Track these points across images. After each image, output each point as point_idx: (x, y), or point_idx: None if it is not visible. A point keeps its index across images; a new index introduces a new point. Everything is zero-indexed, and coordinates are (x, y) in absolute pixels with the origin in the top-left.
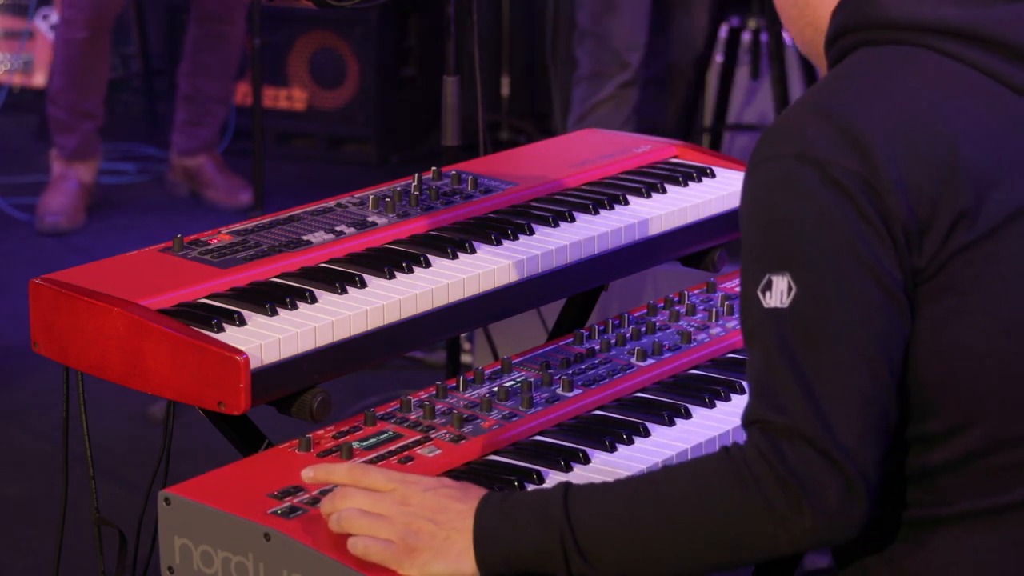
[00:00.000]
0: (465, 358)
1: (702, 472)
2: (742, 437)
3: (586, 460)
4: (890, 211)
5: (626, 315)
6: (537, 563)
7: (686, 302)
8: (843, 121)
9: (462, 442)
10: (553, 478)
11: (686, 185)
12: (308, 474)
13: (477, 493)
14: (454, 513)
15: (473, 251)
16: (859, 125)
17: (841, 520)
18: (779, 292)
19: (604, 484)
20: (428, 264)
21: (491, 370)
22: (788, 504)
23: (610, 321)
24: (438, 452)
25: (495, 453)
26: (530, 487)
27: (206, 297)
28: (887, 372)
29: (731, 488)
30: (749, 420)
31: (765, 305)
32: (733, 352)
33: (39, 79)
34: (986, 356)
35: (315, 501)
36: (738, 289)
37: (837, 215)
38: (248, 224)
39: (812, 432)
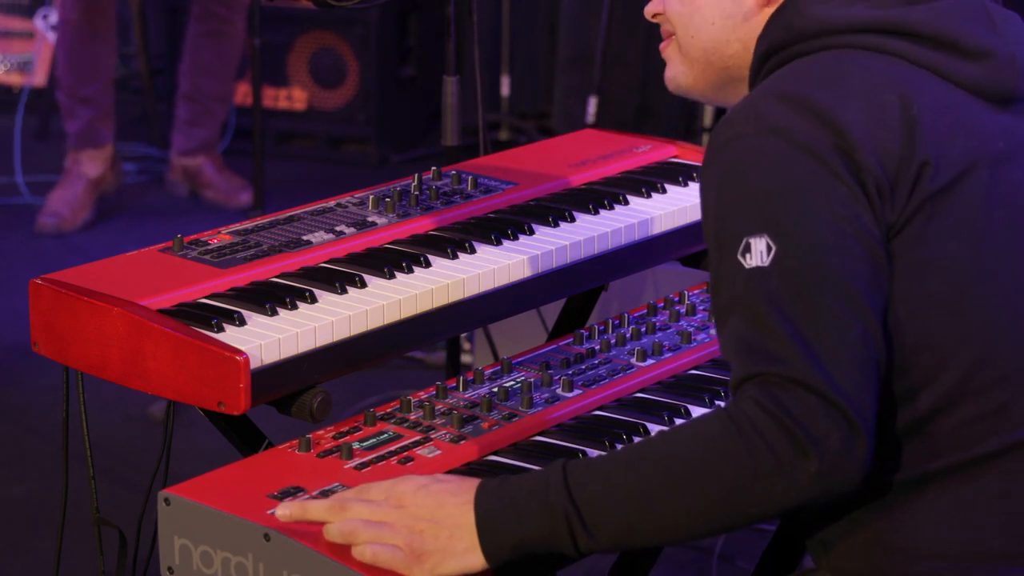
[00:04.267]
0: (465, 358)
1: (702, 432)
2: None
3: None
4: (860, 167)
5: (626, 315)
6: (544, 545)
7: (686, 302)
8: (799, 97)
9: (462, 442)
10: None
11: (686, 185)
12: (284, 512)
13: (471, 484)
14: (452, 508)
15: (473, 251)
16: (815, 98)
17: (846, 463)
18: (758, 252)
19: (601, 458)
20: (428, 264)
21: (491, 370)
22: (794, 450)
23: (610, 321)
24: (438, 452)
25: (495, 453)
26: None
27: (206, 297)
28: (875, 321)
29: (734, 442)
30: (739, 380)
31: (747, 266)
32: None
33: (39, 79)
34: (949, 305)
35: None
36: None
37: (809, 176)
38: (248, 224)
39: (810, 378)
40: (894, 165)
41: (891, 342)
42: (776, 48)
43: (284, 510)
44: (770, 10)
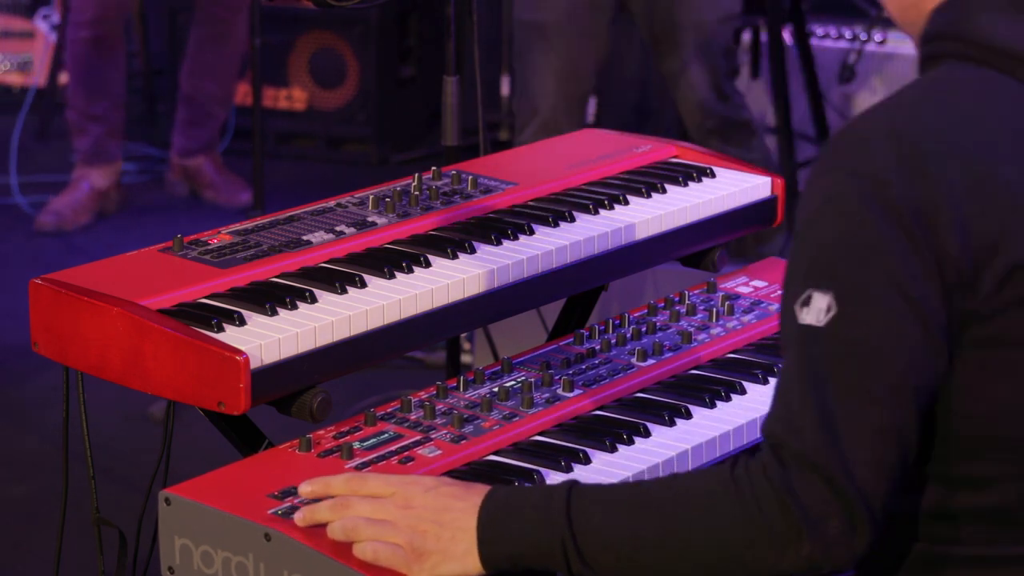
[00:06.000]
0: (465, 358)
1: (706, 488)
2: (743, 439)
3: (586, 460)
4: (943, 247)
5: (626, 315)
6: (539, 561)
7: (686, 302)
8: (910, 143)
9: (462, 442)
10: (553, 478)
11: (686, 185)
12: (306, 488)
13: (480, 490)
14: (457, 512)
15: (473, 251)
16: (925, 148)
17: (841, 550)
18: (817, 310)
19: (608, 488)
20: (428, 264)
21: (491, 370)
22: (788, 530)
23: (610, 321)
24: (438, 452)
25: (495, 453)
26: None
27: (206, 297)
28: (914, 408)
29: (733, 505)
30: (766, 431)
31: (800, 320)
32: (733, 352)
33: (39, 79)
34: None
35: (316, 502)
36: (738, 289)
37: (887, 243)
38: (248, 224)
39: (824, 461)
40: (984, 254)
41: (953, 430)
42: (935, 35)
43: (307, 486)
44: None
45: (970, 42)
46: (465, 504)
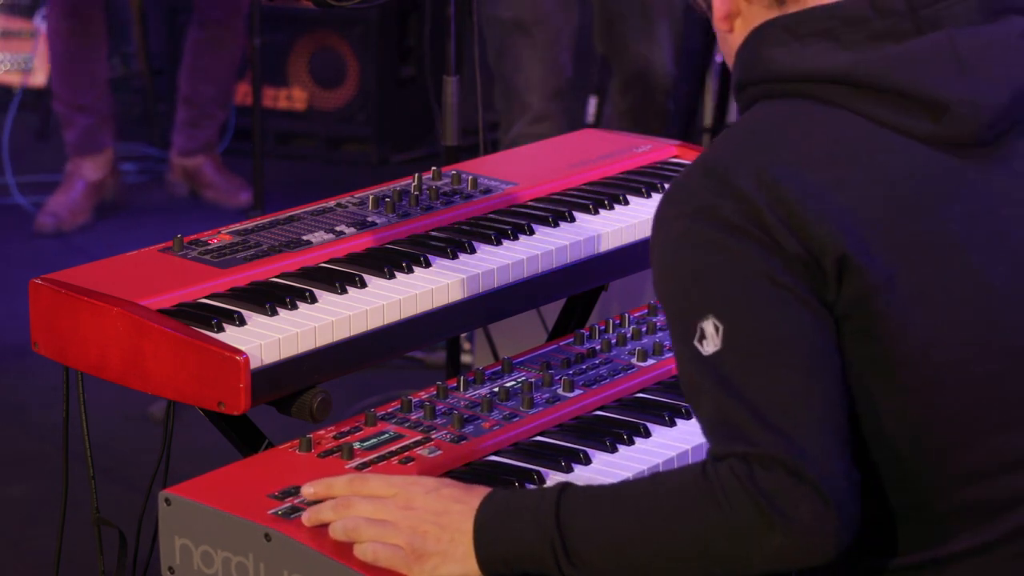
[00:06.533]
0: (465, 358)
1: (680, 486)
2: None
3: (587, 460)
4: (785, 245)
5: (626, 315)
6: (531, 564)
7: None
8: (719, 171)
9: (463, 442)
10: (553, 478)
11: None
12: (308, 490)
13: (480, 492)
14: (456, 514)
15: (473, 251)
16: (731, 172)
17: (816, 537)
18: (711, 336)
19: (597, 490)
20: (428, 264)
21: (491, 370)
22: (760, 523)
23: (610, 321)
24: (438, 452)
25: (496, 454)
26: (530, 487)
27: (206, 297)
28: (834, 385)
29: (705, 505)
30: (715, 452)
31: (704, 354)
32: None
33: (39, 79)
34: (923, 408)
35: (316, 502)
36: None
37: (742, 251)
38: (248, 224)
39: (779, 453)
40: (815, 251)
41: (872, 428)
42: (741, 84)
43: (309, 488)
44: (736, 36)
45: (761, 81)
46: (464, 506)
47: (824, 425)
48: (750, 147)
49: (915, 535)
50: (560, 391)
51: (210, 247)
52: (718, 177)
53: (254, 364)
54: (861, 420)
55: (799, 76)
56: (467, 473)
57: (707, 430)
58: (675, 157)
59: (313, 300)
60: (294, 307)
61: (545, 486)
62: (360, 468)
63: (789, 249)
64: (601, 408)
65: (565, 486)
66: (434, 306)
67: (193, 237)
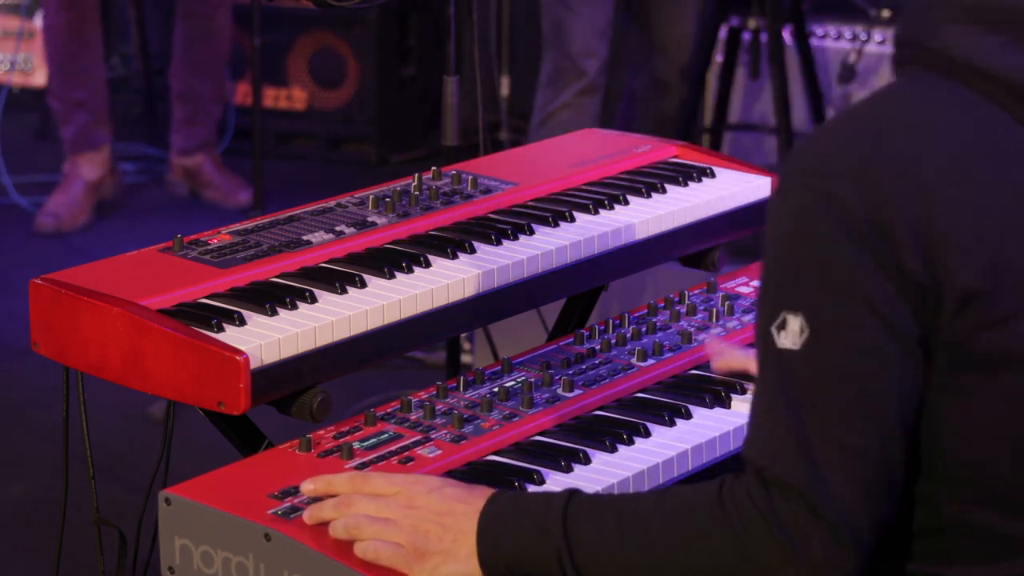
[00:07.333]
0: (465, 358)
1: (694, 508)
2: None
3: (587, 460)
4: (904, 265)
5: (626, 315)
6: (535, 569)
7: (686, 302)
8: (863, 156)
9: (462, 442)
10: (553, 478)
11: (686, 185)
12: (308, 487)
13: (483, 493)
14: (459, 515)
15: (473, 251)
16: (881, 168)
17: (827, 571)
18: (793, 333)
19: (605, 501)
20: (428, 264)
21: (491, 370)
22: (775, 555)
23: (610, 321)
24: (438, 452)
25: (495, 453)
26: (531, 488)
27: (206, 297)
28: (897, 427)
29: (719, 530)
30: (746, 455)
31: (778, 345)
32: None
33: (39, 79)
34: (1004, 438)
35: (316, 501)
36: (739, 288)
37: (853, 263)
38: (248, 224)
39: (804, 488)
40: (943, 276)
41: (929, 447)
42: (900, 40)
43: (309, 484)
44: None
45: (928, 51)
46: (468, 507)
47: (863, 474)
48: (898, 130)
49: (931, 550)
50: (560, 391)
51: (210, 247)
52: (859, 161)
53: (254, 364)
54: (923, 446)
55: (976, 70)
56: (467, 473)
57: (753, 411)
58: (675, 157)
59: (313, 300)
60: (294, 307)
61: (551, 491)
62: (360, 468)
63: (909, 273)
64: (601, 408)
65: (572, 493)
66: (434, 306)
67: (193, 237)
